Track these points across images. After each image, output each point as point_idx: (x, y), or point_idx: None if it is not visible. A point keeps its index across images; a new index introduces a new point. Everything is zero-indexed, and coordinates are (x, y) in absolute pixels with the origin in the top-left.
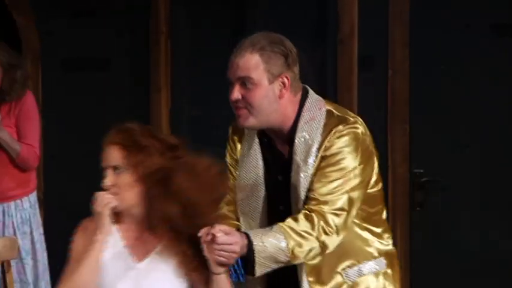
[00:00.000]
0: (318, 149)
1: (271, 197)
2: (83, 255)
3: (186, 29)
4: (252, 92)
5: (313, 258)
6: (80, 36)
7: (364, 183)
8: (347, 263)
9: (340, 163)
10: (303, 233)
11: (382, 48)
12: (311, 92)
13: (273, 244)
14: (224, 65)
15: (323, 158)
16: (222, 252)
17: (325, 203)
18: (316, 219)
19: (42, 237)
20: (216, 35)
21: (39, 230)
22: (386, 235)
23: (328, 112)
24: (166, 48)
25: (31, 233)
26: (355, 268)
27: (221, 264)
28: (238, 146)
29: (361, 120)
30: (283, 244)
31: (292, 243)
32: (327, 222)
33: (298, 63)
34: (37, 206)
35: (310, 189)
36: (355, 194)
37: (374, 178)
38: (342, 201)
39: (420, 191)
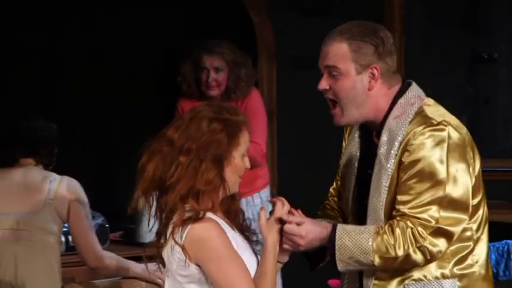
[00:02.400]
0: (398, 149)
1: (359, 190)
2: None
3: (420, 26)
4: (339, 83)
5: (399, 268)
6: (310, 34)
7: (457, 189)
8: (414, 275)
9: (423, 172)
10: (392, 243)
11: None
12: (412, 87)
13: (357, 244)
14: (455, 64)
15: (404, 164)
16: (288, 240)
17: (415, 217)
18: (408, 233)
19: None
20: (449, 34)
21: None
22: (472, 256)
23: (419, 110)
24: (400, 46)
25: None
26: (420, 284)
27: (285, 251)
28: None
29: (456, 124)
30: (367, 246)
31: (377, 248)
32: (421, 236)
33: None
34: None
35: (398, 202)
36: (448, 203)
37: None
38: (432, 212)
39: None
